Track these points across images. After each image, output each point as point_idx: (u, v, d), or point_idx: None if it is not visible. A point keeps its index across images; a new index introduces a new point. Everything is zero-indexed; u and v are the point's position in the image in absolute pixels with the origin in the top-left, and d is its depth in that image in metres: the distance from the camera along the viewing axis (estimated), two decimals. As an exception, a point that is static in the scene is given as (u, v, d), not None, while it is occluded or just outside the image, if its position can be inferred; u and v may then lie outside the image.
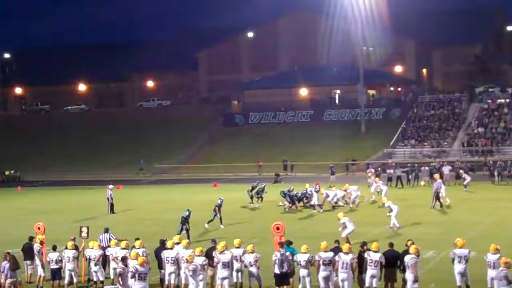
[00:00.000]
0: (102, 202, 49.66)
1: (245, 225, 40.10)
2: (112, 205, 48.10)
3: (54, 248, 25.70)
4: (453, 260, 22.49)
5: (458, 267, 22.35)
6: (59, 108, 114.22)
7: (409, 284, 22.08)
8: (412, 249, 22.46)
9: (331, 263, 22.85)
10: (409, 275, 22.12)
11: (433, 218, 39.73)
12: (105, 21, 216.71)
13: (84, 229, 27.43)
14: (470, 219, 39.23)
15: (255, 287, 23.86)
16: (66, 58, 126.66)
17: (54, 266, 25.24)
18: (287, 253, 23.47)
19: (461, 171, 57.68)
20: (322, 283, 22.89)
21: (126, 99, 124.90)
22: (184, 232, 34.61)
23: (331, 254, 23.02)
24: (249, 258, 23.72)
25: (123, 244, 25.34)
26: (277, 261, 23.14)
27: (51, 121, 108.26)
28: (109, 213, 47.40)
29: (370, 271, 22.62)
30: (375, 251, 22.80)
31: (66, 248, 25.63)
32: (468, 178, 54.51)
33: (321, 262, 22.88)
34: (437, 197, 44.02)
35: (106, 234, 28.26)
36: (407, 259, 22.18)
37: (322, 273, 22.87)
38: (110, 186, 48.98)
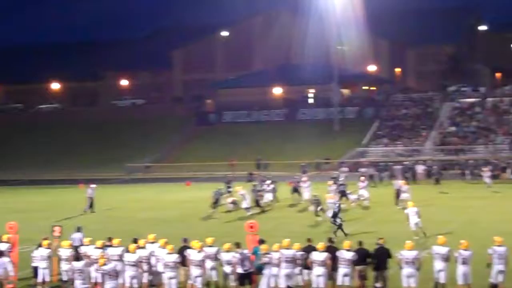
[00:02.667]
0: (76, 201, 49.53)
1: (221, 223, 40.11)
2: (92, 203, 47.72)
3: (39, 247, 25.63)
4: (456, 259, 22.43)
5: (462, 268, 22.34)
6: (32, 107, 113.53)
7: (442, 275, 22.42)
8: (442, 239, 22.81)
9: (293, 260, 22.89)
10: (441, 265, 22.40)
11: (405, 216, 39.84)
12: (79, 19, 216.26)
13: (57, 229, 27.29)
14: (442, 218, 39.49)
15: (228, 285, 23.85)
16: (39, 56, 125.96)
17: (35, 264, 25.21)
18: (245, 251, 23.54)
19: (483, 169, 57.07)
20: (283, 281, 22.87)
21: (99, 98, 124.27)
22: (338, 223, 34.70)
23: (292, 251, 23.02)
24: (226, 257, 23.66)
25: (98, 243, 25.22)
26: (237, 261, 23.19)
27: (24, 120, 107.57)
28: (87, 210, 47.01)
29: (343, 269, 22.66)
30: (347, 250, 22.90)
31: (40, 246, 25.44)
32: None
33: (283, 259, 22.89)
34: (397, 196, 44.70)
35: (78, 233, 28.17)
36: (444, 250, 22.43)
37: (285, 271, 22.87)
38: (92, 186, 48.52)
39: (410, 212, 33.54)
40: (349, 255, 22.73)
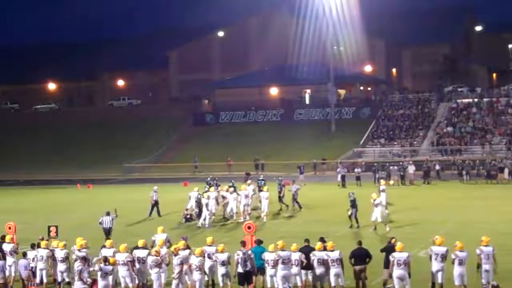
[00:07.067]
0: (74, 202, 49.40)
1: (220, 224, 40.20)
2: (155, 207, 45.51)
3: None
4: (453, 261, 22.53)
5: (458, 269, 22.39)
6: (29, 107, 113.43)
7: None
8: (440, 240, 22.77)
9: (289, 261, 22.88)
10: (439, 265, 22.33)
11: (402, 217, 39.93)
12: (75, 19, 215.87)
13: (53, 229, 27.28)
14: (439, 218, 39.55)
15: (225, 286, 23.87)
16: (36, 57, 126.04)
17: (32, 264, 25.19)
18: (249, 252, 23.55)
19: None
20: (281, 282, 22.86)
21: (96, 98, 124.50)
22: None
23: (288, 252, 22.98)
24: (222, 257, 23.64)
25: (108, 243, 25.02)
26: (239, 260, 23.13)
27: (21, 120, 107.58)
28: (150, 215, 44.93)
29: (333, 270, 22.66)
30: (332, 250, 22.88)
31: (38, 247, 25.33)
32: None
33: (280, 261, 22.85)
34: (294, 198, 44.23)
35: (108, 216, 28.62)
36: (442, 250, 22.38)
37: (281, 272, 22.83)
38: (155, 188, 47.74)
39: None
40: (335, 254, 22.74)
